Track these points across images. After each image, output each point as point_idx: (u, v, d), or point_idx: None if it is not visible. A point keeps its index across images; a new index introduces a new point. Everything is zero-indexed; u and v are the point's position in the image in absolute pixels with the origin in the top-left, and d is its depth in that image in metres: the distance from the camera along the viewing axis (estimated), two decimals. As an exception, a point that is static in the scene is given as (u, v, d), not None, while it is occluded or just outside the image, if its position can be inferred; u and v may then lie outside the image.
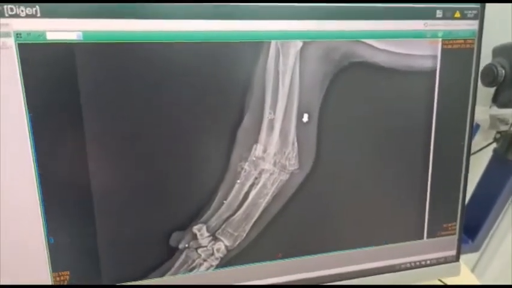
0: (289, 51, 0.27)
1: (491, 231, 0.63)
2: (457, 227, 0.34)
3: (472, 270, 0.65)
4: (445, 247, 0.34)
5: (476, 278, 0.44)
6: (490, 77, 0.42)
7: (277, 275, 0.31)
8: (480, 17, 0.30)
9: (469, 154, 0.33)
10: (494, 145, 0.51)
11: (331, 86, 0.29)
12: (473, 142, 0.52)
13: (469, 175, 0.55)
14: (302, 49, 0.27)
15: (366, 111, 0.30)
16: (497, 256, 0.66)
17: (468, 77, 0.31)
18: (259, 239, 0.30)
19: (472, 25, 0.30)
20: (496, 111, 0.44)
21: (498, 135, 0.49)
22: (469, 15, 0.30)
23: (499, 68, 0.41)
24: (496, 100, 0.43)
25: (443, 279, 0.38)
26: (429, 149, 0.32)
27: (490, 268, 0.67)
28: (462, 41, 0.30)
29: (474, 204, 0.53)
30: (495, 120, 0.45)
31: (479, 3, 0.30)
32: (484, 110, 0.45)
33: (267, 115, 0.28)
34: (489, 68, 0.42)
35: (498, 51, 0.43)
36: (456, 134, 0.32)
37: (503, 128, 0.45)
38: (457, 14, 0.30)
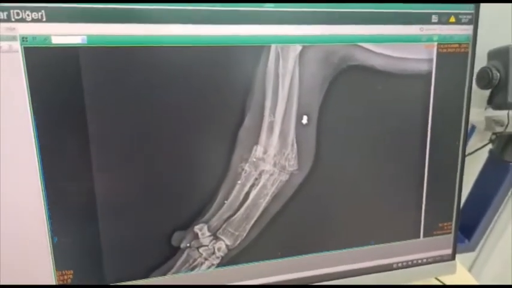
0: (288, 55, 0.28)
1: (488, 231, 0.63)
2: (453, 226, 0.35)
3: (469, 270, 0.66)
4: (441, 246, 0.35)
5: (474, 278, 0.44)
6: (485, 79, 0.43)
7: (277, 273, 0.32)
8: (474, 22, 0.31)
9: (464, 155, 0.33)
10: (490, 146, 0.52)
11: (330, 89, 0.29)
12: (470, 143, 0.53)
13: (466, 176, 0.56)
14: (301, 53, 0.28)
15: (364, 113, 0.31)
16: (494, 255, 0.67)
17: (463, 80, 0.32)
18: (259, 238, 0.30)
19: (466, 30, 0.31)
20: (492, 113, 0.45)
21: (494, 137, 0.50)
22: (463, 20, 0.31)
23: (494, 71, 0.42)
24: (491, 102, 0.44)
25: (441, 279, 0.38)
26: (425, 150, 0.32)
27: (487, 267, 0.68)
28: (457, 45, 0.31)
29: (471, 204, 0.54)
30: (490, 122, 0.45)
31: (473, 9, 0.31)
32: (479, 112, 0.45)
33: (267, 117, 0.29)
34: (484, 71, 0.43)
35: (493, 55, 0.43)
36: (451, 135, 0.33)
37: (499, 129, 0.45)
38: (452, 19, 0.31)
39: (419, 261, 0.34)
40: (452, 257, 0.35)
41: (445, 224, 0.35)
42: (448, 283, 0.39)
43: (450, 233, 0.35)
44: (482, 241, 0.64)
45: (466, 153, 0.53)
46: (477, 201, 0.53)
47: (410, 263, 0.34)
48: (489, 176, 0.51)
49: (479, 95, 0.44)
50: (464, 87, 0.32)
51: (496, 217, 0.63)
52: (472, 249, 0.56)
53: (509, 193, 0.59)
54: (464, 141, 0.33)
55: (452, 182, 0.34)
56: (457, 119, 0.33)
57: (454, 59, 0.31)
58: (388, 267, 0.34)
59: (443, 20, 0.30)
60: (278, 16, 0.27)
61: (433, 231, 0.34)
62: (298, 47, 0.28)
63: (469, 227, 0.54)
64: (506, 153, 0.49)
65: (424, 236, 0.34)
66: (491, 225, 0.63)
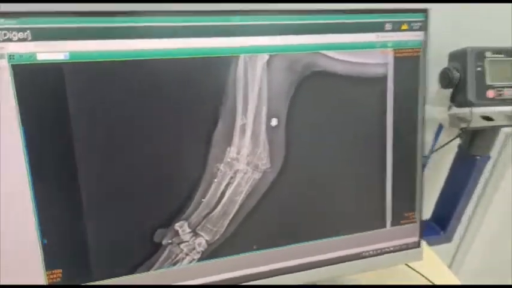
0: (256, 64, 0.31)
1: (465, 227, 0.67)
2: (417, 215, 0.37)
3: (450, 266, 0.69)
4: (407, 234, 0.38)
5: (454, 270, 0.47)
6: (446, 79, 0.46)
7: (254, 265, 0.34)
8: (425, 28, 0.34)
9: (422, 149, 0.36)
10: (459, 141, 0.55)
11: (296, 93, 0.32)
12: (439, 140, 0.56)
13: (439, 170, 0.59)
14: (268, 61, 0.31)
15: (329, 113, 0.33)
16: (472, 250, 0.70)
17: (417, 81, 0.35)
18: (236, 233, 0.33)
19: (418, 36, 0.34)
20: (455, 110, 0.48)
21: (461, 132, 0.53)
22: (414, 27, 0.34)
23: (454, 72, 0.45)
24: (454, 100, 0.47)
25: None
26: (386, 146, 0.35)
27: (465, 263, 0.71)
28: (410, 50, 0.34)
29: (444, 197, 0.57)
30: (454, 119, 0.49)
31: (423, 17, 0.34)
32: (443, 110, 0.49)
33: (239, 120, 0.31)
34: (445, 72, 0.46)
35: (453, 56, 0.47)
36: (410, 131, 0.36)
37: (463, 125, 0.48)
38: (404, 26, 0.34)
39: (387, 249, 0.37)
40: (418, 245, 0.38)
41: (410, 213, 0.37)
42: (423, 273, 0.41)
43: (415, 222, 0.38)
44: (460, 237, 0.67)
45: (435, 148, 0.56)
46: (450, 194, 0.56)
47: (379, 251, 0.37)
48: (459, 169, 0.55)
49: (442, 94, 0.48)
50: (418, 87, 0.35)
51: (471, 212, 0.66)
52: (449, 240, 0.59)
53: (481, 185, 0.63)
54: (422, 136, 0.36)
55: (412, 175, 0.37)
56: (413, 115, 0.35)
57: (408, 62, 0.34)
58: (358, 256, 0.36)
59: (396, 27, 0.33)
60: (246, 28, 0.30)
61: (399, 220, 0.37)
62: (266, 56, 0.31)
63: (443, 219, 0.57)
64: (472, 147, 0.52)
65: (391, 225, 0.37)
66: (467, 221, 0.66)
